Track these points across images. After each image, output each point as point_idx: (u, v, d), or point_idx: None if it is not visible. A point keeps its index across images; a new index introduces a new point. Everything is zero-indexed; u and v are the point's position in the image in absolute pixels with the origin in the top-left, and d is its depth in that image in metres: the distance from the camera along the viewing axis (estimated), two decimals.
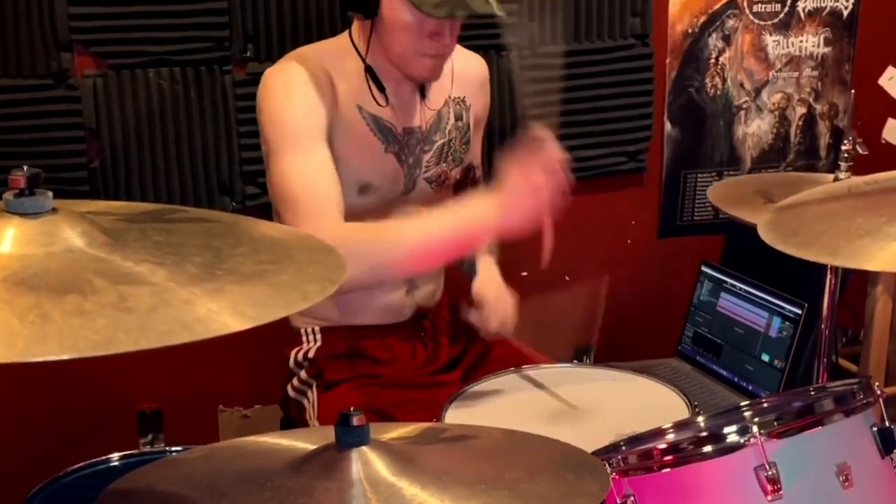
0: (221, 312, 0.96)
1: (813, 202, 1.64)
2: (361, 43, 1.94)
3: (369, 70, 1.94)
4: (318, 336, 2.06)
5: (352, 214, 1.96)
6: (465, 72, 2.09)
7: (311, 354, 2.05)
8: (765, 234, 1.50)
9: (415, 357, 2.07)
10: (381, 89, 1.94)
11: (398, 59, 1.90)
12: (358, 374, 2.00)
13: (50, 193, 1.04)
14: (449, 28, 1.86)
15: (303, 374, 2.06)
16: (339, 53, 1.95)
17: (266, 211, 2.15)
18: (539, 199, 1.69)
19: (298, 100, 1.88)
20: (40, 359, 0.87)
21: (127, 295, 0.95)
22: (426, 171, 2.04)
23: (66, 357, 0.87)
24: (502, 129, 2.74)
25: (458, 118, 2.08)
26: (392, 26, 1.87)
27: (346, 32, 1.98)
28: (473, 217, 1.74)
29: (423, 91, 2.01)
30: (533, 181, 1.68)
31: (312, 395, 2.03)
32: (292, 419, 2.11)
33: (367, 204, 1.97)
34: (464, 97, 2.09)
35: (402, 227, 1.82)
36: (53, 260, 0.99)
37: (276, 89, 1.90)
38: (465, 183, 2.19)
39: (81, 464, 1.63)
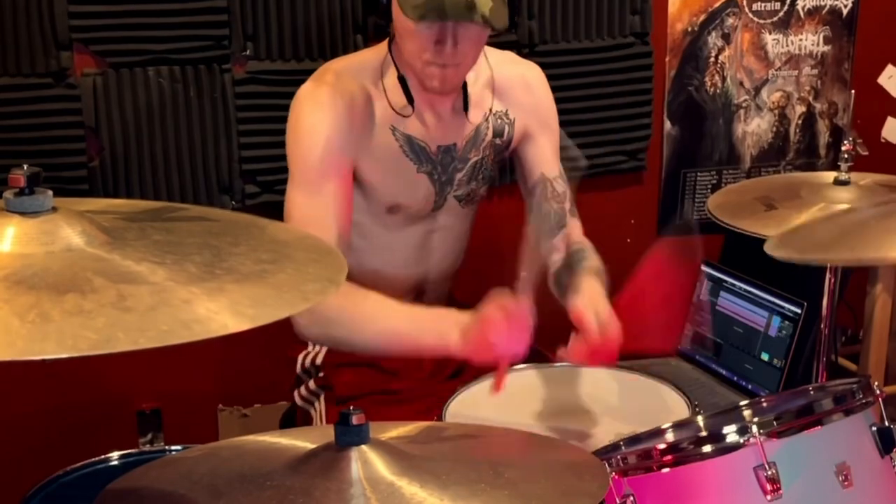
0: (221, 312, 0.96)
1: (816, 222, 1.65)
2: (396, 51, 1.89)
3: (401, 80, 1.88)
4: None
5: (374, 227, 1.96)
6: (506, 83, 2.00)
7: (318, 360, 2.03)
8: (777, 253, 1.50)
9: (421, 366, 2.04)
10: (410, 101, 1.89)
11: (411, 68, 1.84)
12: (367, 390, 1.97)
13: (50, 192, 1.04)
14: (451, 35, 1.76)
15: (311, 383, 2.04)
16: (378, 65, 1.91)
17: (265, 209, 2.15)
18: (502, 348, 1.66)
19: (322, 131, 1.84)
20: (39, 357, 0.87)
21: (126, 294, 0.95)
22: (457, 189, 2.00)
23: (65, 356, 0.87)
24: None
25: (498, 135, 2.00)
26: (400, 32, 1.82)
27: (387, 41, 1.93)
28: (439, 332, 1.71)
29: (465, 105, 1.94)
30: (504, 331, 1.65)
31: (320, 405, 2.01)
32: (296, 421, 2.10)
33: (393, 221, 1.97)
34: (506, 110, 2.00)
35: (374, 311, 1.77)
36: (53, 259, 0.99)
37: (304, 115, 1.86)
38: (540, 198, 2.07)
39: (81, 463, 1.63)
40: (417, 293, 2.06)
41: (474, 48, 1.83)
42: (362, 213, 1.94)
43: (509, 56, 2.07)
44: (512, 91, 2.02)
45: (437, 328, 1.71)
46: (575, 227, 2.08)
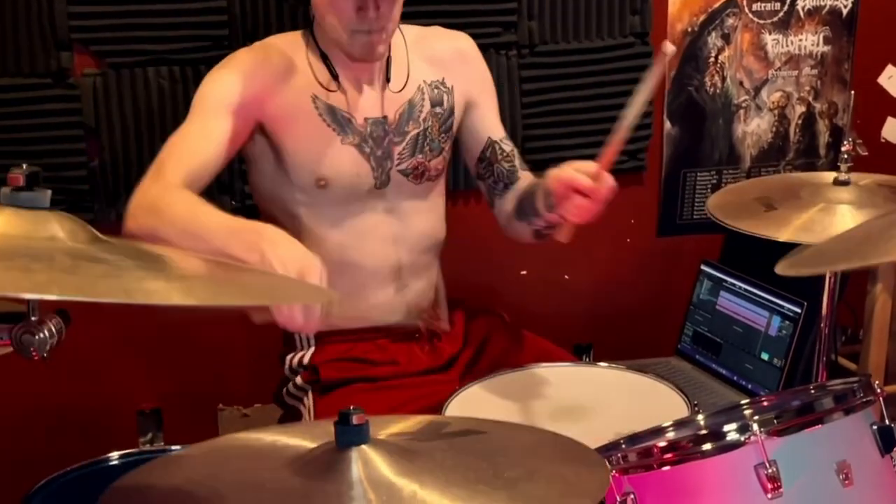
0: (170, 291, 0.99)
1: (825, 243, 1.64)
2: (316, 31, 1.96)
3: (324, 57, 1.94)
4: (312, 341, 2.05)
5: (320, 209, 1.96)
6: (436, 52, 2.06)
7: (305, 360, 2.04)
8: (790, 273, 1.50)
9: (411, 359, 2.05)
10: (334, 76, 1.94)
11: (336, 41, 1.90)
12: (354, 377, 1.99)
13: (48, 192, 1.05)
14: (372, 1, 1.83)
15: (298, 379, 2.05)
16: (302, 43, 1.97)
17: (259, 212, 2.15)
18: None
19: (224, 77, 1.91)
20: None
21: (81, 266, 0.98)
22: (399, 164, 2.00)
23: None
24: None
25: (437, 104, 2.04)
26: (320, 8, 1.88)
27: (306, 28, 2.00)
28: (246, 244, 1.55)
29: (387, 75, 1.99)
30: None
31: (309, 400, 2.02)
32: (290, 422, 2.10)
33: (332, 198, 1.96)
34: (442, 79, 2.05)
35: (185, 211, 1.71)
36: (31, 242, 1.02)
37: (215, 67, 1.95)
38: (490, 160, 2.11)
39: (81, 463, 1.62)
40: (396, 282, 2.05)
41: (394, 9, 1.88)
42: (295, 189, 1.96)
43: (437, 29, 2.12)
44: (445, 61, 2.06)
45: (244, 240, 1.58)
46: (525, 179, 2.09)
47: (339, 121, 1.95)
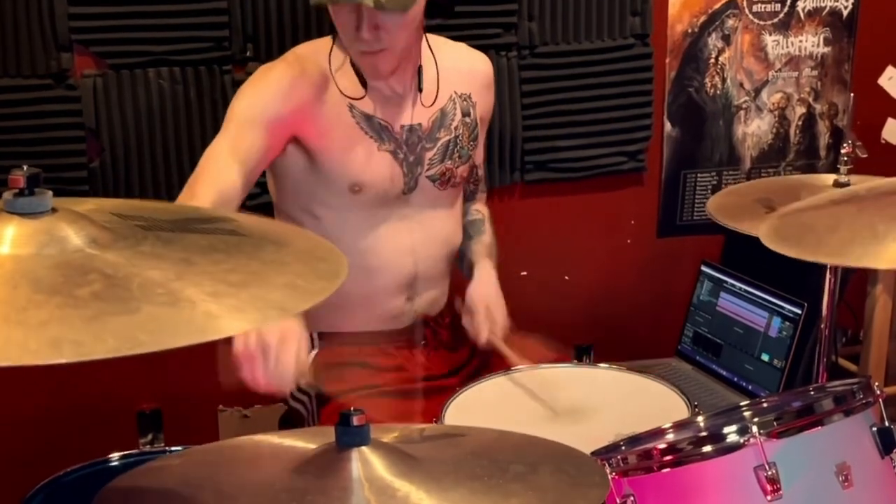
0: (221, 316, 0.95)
1: (813, 208, 1.64)
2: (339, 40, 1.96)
3: (353, 65, 1.95)
4: (316, 342, 2.04)
5: (347, 213, 1.96)
6: (468, 69, 2.11)
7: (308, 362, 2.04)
8: (770, 242, 1.49)
9: (415, 365, 2.05)
10: (364, 84, 1.95)
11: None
12: (357, 385, 1.98)
13: (49, 193, 1.04)
14: (367, 20, 1.81)
15: (301, 382, 2.05)
16: (333, 52, 1.97)
17: (266, 210, 2.15)
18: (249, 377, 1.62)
19: (260, 92, 1.90)
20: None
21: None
22: (429, 169, 2.03)
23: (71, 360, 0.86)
24: (501, 129, 2.74)
25: (466, 114, 2.08)
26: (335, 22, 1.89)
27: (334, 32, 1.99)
28: None
29: (420, 87, 2.00)
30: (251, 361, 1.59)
31: (311, 405, 2.02)
32: (292, 422, 2.10)
33: (362, 203, 1.97)
34: (469, 94, 2.09)
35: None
36: (50, 261, 0.98)
37: (249, 80, 1.94)
38: (467, 182, 2.19)
39: (81, 464, 1.62)
40: (409, 291, 2.06)
41: (401, 32, 1.86)
42: (327, 193, 1.96)
43: (465, 45, 2.18)
44: (473, 79, 2.11)
45: None
46: (479, 199, 2.28)
47: (377, 128, 1.96)
